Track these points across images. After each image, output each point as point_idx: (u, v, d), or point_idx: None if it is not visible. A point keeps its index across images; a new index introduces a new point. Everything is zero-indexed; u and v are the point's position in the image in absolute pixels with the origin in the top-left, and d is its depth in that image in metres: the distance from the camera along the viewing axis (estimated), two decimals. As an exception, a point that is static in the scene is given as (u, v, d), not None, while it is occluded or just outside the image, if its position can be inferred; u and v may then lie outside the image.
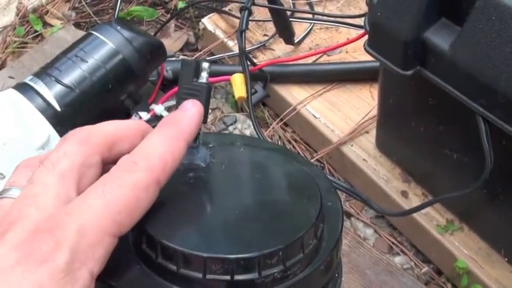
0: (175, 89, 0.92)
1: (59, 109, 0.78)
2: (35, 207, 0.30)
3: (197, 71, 0.38)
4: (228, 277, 0.32)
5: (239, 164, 0.40)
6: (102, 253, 0.30)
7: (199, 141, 0.38)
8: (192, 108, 0.35)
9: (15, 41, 1.13)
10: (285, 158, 0.41)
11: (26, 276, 0.27)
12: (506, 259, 0.76)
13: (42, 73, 0.81)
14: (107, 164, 0.34)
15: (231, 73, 0.91)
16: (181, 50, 1.12)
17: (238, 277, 0.32)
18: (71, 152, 0.32)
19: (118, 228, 0.30)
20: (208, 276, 0.32)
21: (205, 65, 0.38)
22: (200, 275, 0.32)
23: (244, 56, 0.89)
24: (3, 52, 1.12)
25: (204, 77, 0.37)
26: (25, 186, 0.31)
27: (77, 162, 0.32)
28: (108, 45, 0.83)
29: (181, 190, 0.36)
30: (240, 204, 0.36)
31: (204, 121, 0.37)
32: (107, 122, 0.36)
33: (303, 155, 0.94)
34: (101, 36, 0.84)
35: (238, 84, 0.88)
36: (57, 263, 0.28)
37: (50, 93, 0.79)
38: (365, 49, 0.68)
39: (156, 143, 0.33)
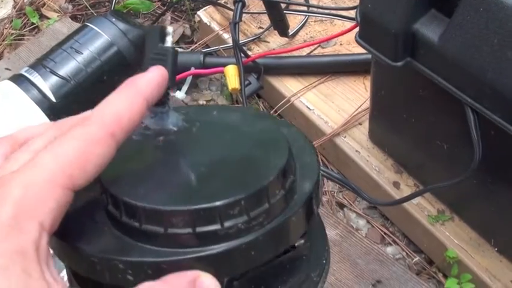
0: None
1: (54, 100, 0.79)
2: None
3: (162, 37, 0.38)
4: (189, 230, 0.31)
5: (211, 125, 0.40)
6: (53, 205, 0.30)
7: (168, 106, 0.38)
8: (152, 71, 0.35)
9: (12, 34, 1.14)
10: (260, 119, 0.40)
11: None
12: (496, 248, 0.77)
13: (38, 64, 0.82)
14: None
15: (225, 65, 0.92)
16: (177, 42, 1.13)
17: (200, 229, 0.31)
18: (47, 134, 0.34)
19: (70, 180, 0.30)
20: (170, 230, 0.31)
21: (169, 29, 0.38)
22: (162, 230, 0.31)
23: (237, 48, 0.90)
24: (0, 44, 1.13)
25: (168, 41, 0.38)
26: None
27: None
28: (103, 37, 0.84)
29: (148, 152, 0.37)
30: (206, 161, 0.36)
31: (171, 84, 0.37)
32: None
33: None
34: (96, 28, 0.84)
35: (232, 76, 0.89)
36: (2, 219, 0.28)
37: (46, 84, 0.80)
38: (356, 40, 0.69)
39: (111, 100, 0.33)
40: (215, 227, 0.31)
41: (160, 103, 0.37)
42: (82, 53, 0.82)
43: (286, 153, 0.35)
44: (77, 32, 0.86)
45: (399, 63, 0.65)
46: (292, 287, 0.45)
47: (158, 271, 0.31)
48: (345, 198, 0.90)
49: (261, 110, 1.00)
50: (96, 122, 0.31)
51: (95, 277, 0.33)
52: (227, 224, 0.31)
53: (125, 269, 0.31)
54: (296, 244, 0.45)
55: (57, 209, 0.30)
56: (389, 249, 0.84)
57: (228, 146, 0.37)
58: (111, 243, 0.33)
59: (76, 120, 0.32)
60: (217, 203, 0.31)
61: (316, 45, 1.01)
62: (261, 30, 1.05)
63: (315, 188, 0.36)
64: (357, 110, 0.92)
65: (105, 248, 0.32)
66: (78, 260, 0.33)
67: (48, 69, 0.81)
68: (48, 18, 1.17)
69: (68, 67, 0.81)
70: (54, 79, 0.80)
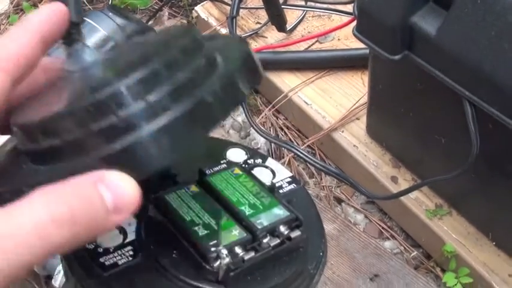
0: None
1: (51, 95, 0.79)
2: None
3: None
4: (84, 130, 0.29)
5: (129, 47, 0.39)
6: None
7: (83, 43, 0.38)
8: (47, 6, 0.35)
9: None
10: (192, 31, 0.39)
11: None
12: (494, 243, 0.77)
13: (35, 59, 0.81)
14: None
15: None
16: (174, 38, 1.13)
17: (94, 126, 0.28)
18: None
19: None
20: (66, 138, 0.29)
21: None
22: (58, 141, 0.29)
23: (235, 42, 0.90)
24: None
25: None
26: None
27: None
28: (100, 31, 0.83)
29: (59, 85, 0.36)
30: (107, 69, 0.35)
31: (77, 19, 0.37)
32: None
33: (294, 141, 0.94)
34: (93, 23, 0.84)
35: (229, 70, 0.89)
36: None
37: (42, 79, 0.79)
38: (354, 34, 0.68)
39: (1, 38, 0.33)
40: (110, 119, 0.28)
41: (71, 40, 0.37)
42: (79, 48, 0.82)
43: (191, 37, 0.33)
44: (73, 26, 0.85)
45: (397, 57, 0.65)
46: (289, 279, 0.45)
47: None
48: (342, 193, 0.90)
49: (259, 105, 0.99)
50: None
51: None
52: (122, 113, 0.28)
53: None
54: (292, 236, 0.45)
55: None
56: (387, 244, 0.84)
57: (134, 51, 0.35)
58: (22, 175, 0.32)
59: None
60: (104, 91, 0.28)
61: (314, 41, 1.01)
62: (259, 25, 1.05)
63: (241, 67, 0.33)
64: (354, 104, 0.92)
65: (16, 180, 0.32)
66: None
67: (45, 64, 0.80)
68: (45, 13, 1.16)
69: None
70: (51, 74, 0.80)
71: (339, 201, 0.90)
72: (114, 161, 0.28)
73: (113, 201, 0.28)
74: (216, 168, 0.51)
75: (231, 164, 0.52)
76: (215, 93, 0.30)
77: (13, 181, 0.32)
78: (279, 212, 0.45)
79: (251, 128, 0.94)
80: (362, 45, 0.69)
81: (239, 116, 0.98)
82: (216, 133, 0.92)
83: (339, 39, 1.02)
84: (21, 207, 0.27)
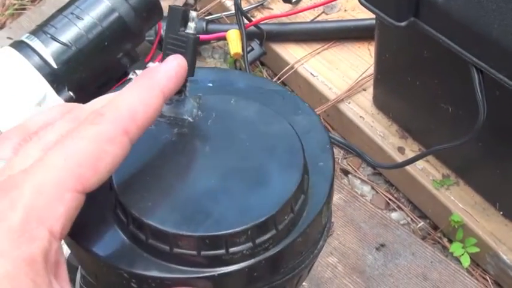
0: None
1: (55, 66, 0.79)
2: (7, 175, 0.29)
3: (185, 20, 0.36)
4: (194, 252, 0.32)
5: (226, 120, 0.38)
6: (63, 211, 0.28)
7: (185, 94, 0.36)
8: (171, 61, 0.34)
9: (14, 4, 1.13)
10: (280, 109, 0.39)
11: None
12: (501, 212, 0.76)
13: (39, 31, 0.81)
14: None
15: (227, 31, 0.91)
16: (179, 10, 1.12)
17: (205, 253, 0.32)
18: (58, 127, 0.32)
19: (81, 183, 0.29)
20: (175, 251, 0.32)
21: (193, 14, 0.36)
22: (167, 248, 0.32)
23: (239, 12, 0.89)
24: (3, 15, 1.12)
25: (191, 27, 0.36)
26: (9, 159, 0.31)
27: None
28: (104, 2, 0.83)
29: (160, 149, 0.36)
30: (217, 171, 0.35)
31: (190, 73, 0.35)
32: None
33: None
34: (97, -6, 0.83)
35: (234, 41, 0.88)
36: (11, 223, 0.27)
37: (47, 50, 0.79)
38: (359, 1, 0.68)
39: (127, 94, 0.31)
40: (220, 251, 0.32)
41: (178, 91, 0.35)
42: (83, 19, 0.81)
43: (300, 173, 0.34)
44: (78, -3, 0.85)
45: (403, 24, 0.64)
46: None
47: (161, 285, 0.32)
48: (349, 165, 0.90)
49: (265, 77, 0.99)
50: (109, 120, 0.30)
51: (100, 274, 0.34)
52: (232, 249, 0.32)
53: (129, 278, 0.32)
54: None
55: (68, 214, 0.29)
56: (394, 215, 0.83)
57: (241, 153, 0.36)
58: (118, 249, 0.33)
59: (89, 114, 0.31)
60: (224, 232, 0.31)
61: (320, 11, 1.00)
62: (265, -4, 1.04)
63: (326, 202, 0.35)
64: (361, 75, 0.91)
65: (112, 254, 0.33)
66: (84, 259, 0.34)
67: (49, 35, 0.80)
68: (49, -13, 1.16)
69: (69, 33, 0.81)
70: (55, 45, 0.80)
71: (346, 172, 0.89)
72: (208, 282, 0.32)
73: None
74: None
75: None
76: (304, 234, 0.34)
77: (107, 253, 0.33)
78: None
79: (257, 100, 0.93)
80: (368, 16, 0.68)
81: (245, 88, 0.97)
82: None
83: (345, 10, 1.01)
84: None
